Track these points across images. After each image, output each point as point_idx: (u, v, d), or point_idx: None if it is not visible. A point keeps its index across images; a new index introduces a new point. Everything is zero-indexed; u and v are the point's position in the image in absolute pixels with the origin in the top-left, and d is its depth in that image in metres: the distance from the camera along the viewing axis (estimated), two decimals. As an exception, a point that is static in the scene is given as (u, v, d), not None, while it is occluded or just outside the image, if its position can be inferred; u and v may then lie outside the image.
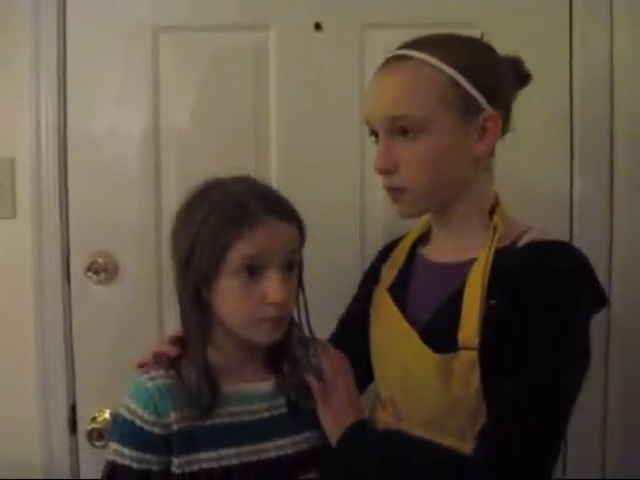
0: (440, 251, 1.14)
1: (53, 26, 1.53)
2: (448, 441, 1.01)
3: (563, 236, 1.22)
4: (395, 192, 1.08)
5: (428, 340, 1.04)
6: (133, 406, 1.04)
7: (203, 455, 1.05)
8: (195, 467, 1.04)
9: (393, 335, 1.13)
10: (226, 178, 1.09)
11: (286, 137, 1.55)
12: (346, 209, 1.57)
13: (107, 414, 1.56)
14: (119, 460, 1.03)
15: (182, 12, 1.55)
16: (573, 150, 1.54)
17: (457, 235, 1.11)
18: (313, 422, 1.12)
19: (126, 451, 1.03)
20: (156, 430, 1.03)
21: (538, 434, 0.93)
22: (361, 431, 1.07)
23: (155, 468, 1.04)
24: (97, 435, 1.55)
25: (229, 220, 1.02)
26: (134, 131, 1.55)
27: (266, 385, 1.11)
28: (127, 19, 1.54)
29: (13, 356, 1.59)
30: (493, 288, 0.99)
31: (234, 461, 1.06)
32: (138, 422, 1.03)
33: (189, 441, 1.04)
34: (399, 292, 1.16)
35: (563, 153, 1.55)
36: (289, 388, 1.12)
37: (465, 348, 0.99)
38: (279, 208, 1.06)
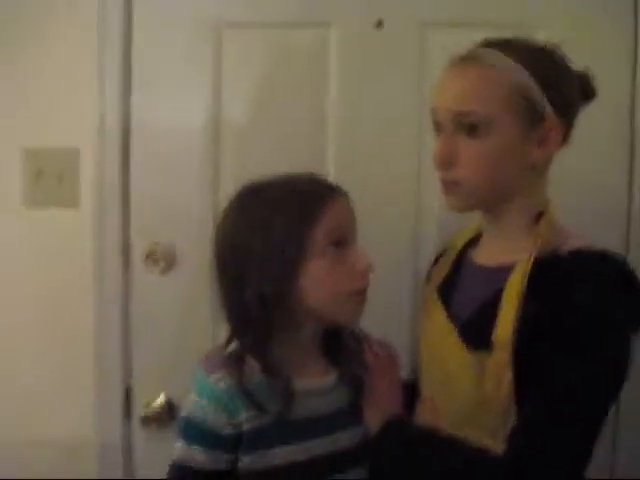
0: (487, 253, 1.16)
1: (119, 19, 1.57)
2: (481, 439, 1.02)
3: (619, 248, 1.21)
4: (449, 185, 1.09)
5: (466, 338, 1.07)
6: (203, 405, 1.04)
7: (272, 452, 1.05)
8: (264, 464, 1.05)
9: (436, 332, 1.15)
10: (269, 179, 1.09)
11: (344, 135, 1.56)
12: (402, 208, 1.57)
13: (162, 399, 1.59)
14: (188, 460, 1.04)
15: (245, 8, 1.57)
16: (633, 158, 1.52)
17: (503, 238, 1.12)
18: None
19: (196, 451, 1.04)
20: (227, 430, 1.03)
21: (568, 439, 0.93)
22: (397, 427, 1.09)
23: (224, 466, 1.05)
24: (152, 419, 1.59)
25: (304, 207, 1.04)
26: (195, 125, 1.57)
27: (328, 380, 1.13)
28: (192, 14, 1.56)
29: (73, 341, 1.63)
30: (533, 293, 1.00)
31: (302, 456, 1.07)
32: (209, 422, 1.03)
33: (258, 439, 1.05)
34: (446, 292, 1.18)
35: (622, 160, 1.53)
36: (350, 382, 1.13)
37: (499, 349, 1.00)
38: (337, 187, 1.09)
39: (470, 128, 1.04)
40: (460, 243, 1.24)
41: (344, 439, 1.11)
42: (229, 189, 1.50)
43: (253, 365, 1.06)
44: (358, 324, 1.14)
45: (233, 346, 1.10)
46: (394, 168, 1.56)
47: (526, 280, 1.01)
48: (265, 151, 1.55)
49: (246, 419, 1.04)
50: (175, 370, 1.50)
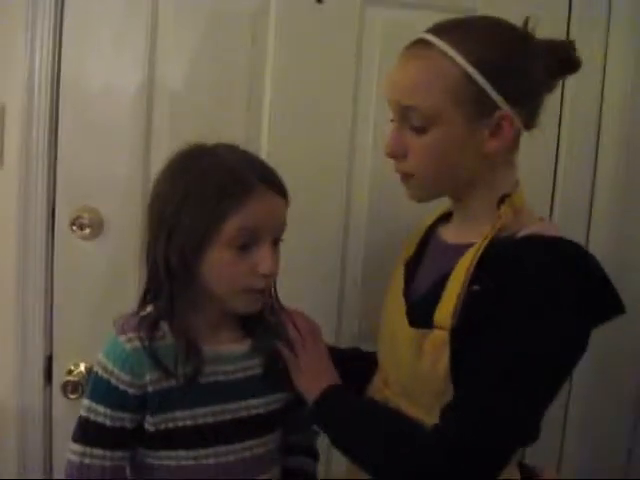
0: (452, 231, 1.16)
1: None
2: (418, 415, 1.04)
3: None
4: (403, 177, 1.10)
5: (411, 314, 1.08)
6: (109, 366, 1.06)
7: (178, 414, 1.07)
8: (170, 425, 1.07)
9: (392, 306, 1.17)
10: (213, 145, 1.08)
11: (279, 105, 1.55)
12: (334, 179, 1.59)
13: (82, 368, 1.57)
14: (92, 417, 1.06)
15: (184, -29, 1.53)
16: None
17: (466, 219, 1.12)
18: (284, 383, 1.16)
19: (100, 408, 1.05)
20: (131, 390, 1.05)
21: (499, 419, 0.93)
22: (335, 395, 1.11)
23: (129, 425, 1.06)
24: (72, 388, 1.56)
25: (225, 191, 1.02)
26: (128, 88, 1.53)
27: (241, 347, 1.14)
28: (128, -27, 1.51)
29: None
30: (480, 275, 1.00)
31: (209, 419, 1.09)
32: (113, 381, 1.05)
33: (164, 401, 1.07)
34: (413, 266, 1.18)
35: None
36: (263, 350, 1.15)
37: (438, 327, 1.01)
38: (274, 181, 1.07)
39: (414, 122, 1.03)
40: (431, 219, 1.24)
41: (258, 406, 1.13)
42: (160, 156, 1.48)
43: (165, 328, 1.07)
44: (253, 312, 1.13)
45: (149, 309, 1.11)
46: (327, 143, 1.57)
47: (475, 261, 1.00)
48: (199, 118, 1.53)
49: (151, 381, 1.05)
50: (97, 339, 1.48)
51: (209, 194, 1.02)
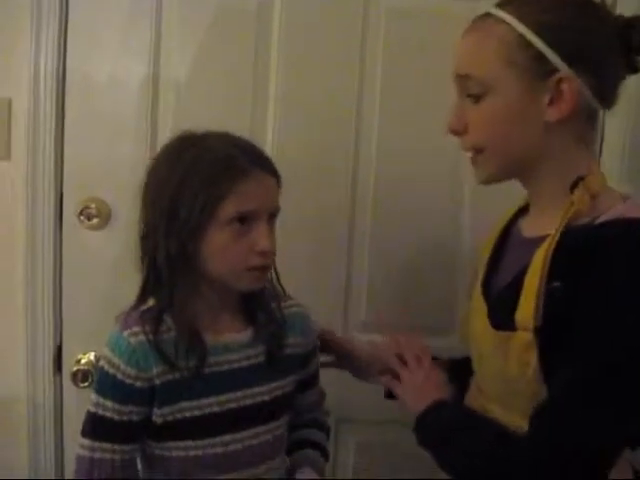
0: (528, 224, 1.10)
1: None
2: (514, 421, 0.99)
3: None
4: (473, 156, 1.06)
5: (493, 316, 1.03)
6: (115, 360, 1.07)
7: (185, 405, 1.09)
8: (177, 416, 1.08)
9: (474, 309, 1.12)
10: (203, 133, 1.10)
11: (284, 97, 1.56)
12: (340, 170, 1.59)
13: (92, 356, 1.59)
14: (100, 411, 1.07)
15: (188, -35, 1.53)
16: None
17: (540, 208, 1.07)
18: (286, 370, 1.18)
19: (108, 403, 1.06)
20: (138, 384, 1.06)
21: (591, 423, 0.88)
22: (434, 411, 1.09)
23: (136, 418, 1.08)
24: (81, 376, 1.58)
25: (219, 173, 1.04)
26: (133, 80, 1.54)
27: (244, 335, 1.15)
28: (133, -33, 1.52)
29: (2, 295, 1.60)
30: (558, 269, 0.93)
31: (215, 409, 1.10)
32: (120, 376, 1.06)
33: (171, 392, 1.08)
34: (492, 264, 1.14)
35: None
36: (266, 338, 1.16)
37: (521, 329, 0.95)
38: (264, 162, 1.09)
39: (471, 91, 1.01)
40: (510, 213, 1.18)
41: (262, 393, 1.15)
42: (165, 147, 1.51)
43: (168, 321, 1.08)
44: (259, 289, 1.15)
45: (151, 303, 1.12)
46: (333, 135, 1.57)
47: (550, 255, 0.93)
48: (204, 109, 1.54)
49: (157, 374, 1.06)
50: (105, 328, 1.49)
51: (205, 178, 1.03)
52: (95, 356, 1.58)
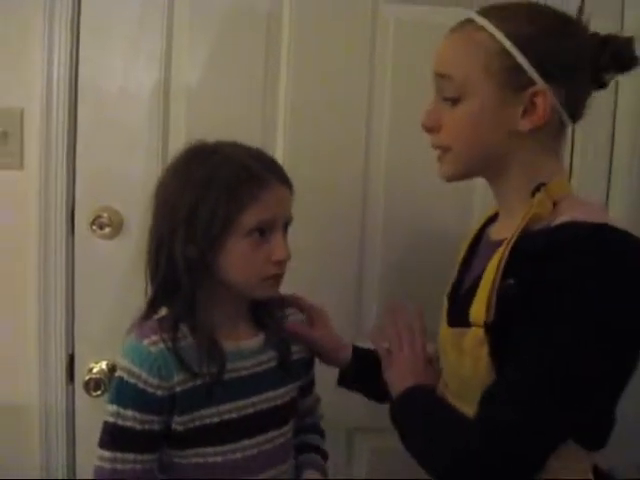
0: (497, 228, 1.14)
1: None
2: (470, 414, 1.00)
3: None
4: (440, 153, 1.08)
5: (451, 314, 1.09)
6: (135, 369, 1.06)
7: (204, 412, 1.09)
8: (197, 423, 1.09)
9: (442, 310, 1.16)
10: (215, 142, 1.11)
11: (295, 102, 1.57)
12: (351, 171, 1.60)
13: (104, 365, 1.59)
14: (120, 422, 1.06)
15: (199, -29, 1.54)
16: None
17: (507, 212, 1.10)
18: (294, 375, 1.21)
19: (129, 413, 1.05)
20: (159, 392, 1.06)
21: (536, 408, 0.90)
22: (412, 394, 1.12)
23: (157, 427, 1.07)
24: (94, 385, 1.58)
25: (241, 183, 1.05)
26: (144, 88, 1.55)
27: (255, 341, 1.17)
28: (143, -26, 1.53)
29: (15, 305, 1.60)
30: (512, 268, 0.96)
31: (233, 415, 1.11)
32: (141, 385, 1.05)
33: (191, 400, 1.08)
34: (463, 269, 1.18)
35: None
36: (276, 343, 1.17)
37: (474, 325, 0.99)
38: (280, 171, 1.11)
39: (448, 93, 1.03)
40: (482, 220, 1.22)
41: (275, 398, 1.16)
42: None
43: (184, 329, 1.09)
44: (274, 297, 1.17)
45: (163, 312, 1.13)
46: (343, 137, 1.58)
47: (506, 255, 0.97)
48: (215, 117, 1.54)
49: (178, 382, 1.07)
50: (118, 337, 1.49)
51: (226, 187, 1.04)
52: (107, 365, 1.59)
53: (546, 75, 0.99)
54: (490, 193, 1.14)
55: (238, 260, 1.07)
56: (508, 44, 0.99)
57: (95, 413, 1.56)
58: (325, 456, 1.31)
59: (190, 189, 1.06)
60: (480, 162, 1.07)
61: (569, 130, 1.08)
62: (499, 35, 0.99)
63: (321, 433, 1.34)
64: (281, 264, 1.10)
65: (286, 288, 1.19)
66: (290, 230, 1.15)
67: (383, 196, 1.61)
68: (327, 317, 1.29)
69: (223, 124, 1.50)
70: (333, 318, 1.31)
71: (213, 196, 1.04)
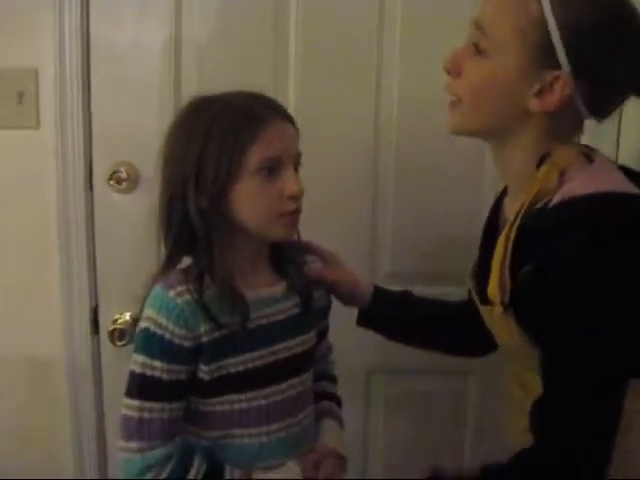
0: (508, 204, 1.13)
1: None
2: (526, 373, 1.05)
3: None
4: (451, 102, 1.07)
5: (481, 293, 1.10)
6: (162, 320, 1.06)
7: (230, 361, 1.10)
8: (223, 372, 1.10)
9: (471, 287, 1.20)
10: (217, 93, 1.11)
11: (305, 53, 1.58)
12: (361, 127, 1.60)
13: (127, 316, 1.63)
14: (148, 372, 1.06)
15: None
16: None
17: (513, 187, 1.11)
18: (314, 322, 1.22)
19: (156, 363, 1.06)
20: (187, 343, 1.06)
21: (596, 383, 0.91)
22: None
23: (184, 377, 1.08)
24: (118, 335, 1.62)
25: (241, 123, 1.05)
26: (156, 44, 1.56)
27: (277, 289, 1.17)
28: None
29: (38, 261, 1.64)
30: (524, 252, 0.97)
31: (257, 363, 1.12)
32: (168, 336, 1.06)
33: (217, 350, 1.09)
34: (486, 241, 1.18)
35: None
36: (299, 290, 1.18)
37: (493, 304, 1.03)
38: (282, 110, 1.12)
39: (479, 42, 1.01)
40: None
41: (297, 345, 1.17)
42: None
43: (207, 279, 1.09)
44: (292, 238, 1.18)
45: (184, 263, 1.13)
46: (354, 92, 1.59)
47: (512, 236, 0.97)
48: (226, 71, 1.56)
49: (205, 332, 1.07)
50: (140, 289, 1.52)
51: (228, 131, 1.05)
52: (131, 316, 1.62)
53: (575, 65, 0.96)
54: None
55: (250, 200, 1.08)
56: (552, 21, 0.95)
57: (120, 362, 1.62)
58: (339, 403, 1.32)
59: (194, 139, 1.06)
60: (484, 126, 1.06)
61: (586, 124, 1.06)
62: (547, 9, 0.96)
63: (334, 380, 1.35)
64: (295, 199, 1.09)
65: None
66: (302, 176, 1.14)
67: (395, 138, 1.61)
68: (340, 260, 1.31)
69: (234, 76, 1.51)
70: (347, 262, 1.33)
71: (216, 141, 1.05)
